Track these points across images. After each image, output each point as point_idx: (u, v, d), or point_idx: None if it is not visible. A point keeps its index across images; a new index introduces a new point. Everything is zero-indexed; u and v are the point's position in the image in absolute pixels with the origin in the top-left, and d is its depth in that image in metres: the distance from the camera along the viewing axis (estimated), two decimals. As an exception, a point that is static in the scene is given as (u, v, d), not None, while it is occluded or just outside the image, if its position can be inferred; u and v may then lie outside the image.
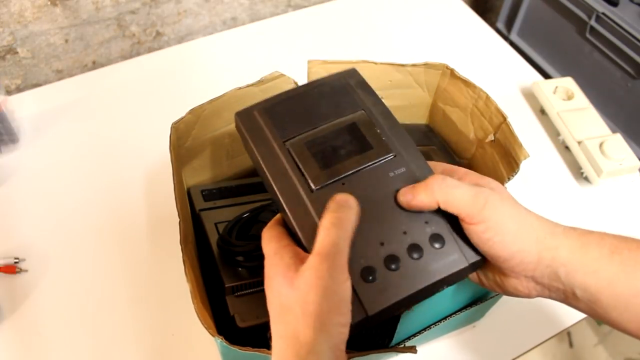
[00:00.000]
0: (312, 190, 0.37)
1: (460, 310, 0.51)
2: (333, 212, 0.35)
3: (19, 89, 0.89)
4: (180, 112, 0.54)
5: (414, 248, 0.36)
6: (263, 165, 0.39)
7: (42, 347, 0.59)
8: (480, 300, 0.52)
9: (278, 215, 0.40)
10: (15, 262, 0.64)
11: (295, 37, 0.96)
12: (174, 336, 0.60)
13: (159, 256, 0.66)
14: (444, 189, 0.36)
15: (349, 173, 0.38)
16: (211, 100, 0.54)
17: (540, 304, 0.63)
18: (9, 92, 0.86)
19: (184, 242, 0.46)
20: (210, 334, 0.40)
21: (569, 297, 0.36)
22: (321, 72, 0.59)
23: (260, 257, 0.51)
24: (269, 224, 0.39)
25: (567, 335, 1.30)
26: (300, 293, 0.32)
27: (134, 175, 0.74)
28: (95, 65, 0.93)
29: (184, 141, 0.56)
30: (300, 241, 0.36)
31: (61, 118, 0.81)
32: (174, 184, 0.49)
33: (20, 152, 0.77)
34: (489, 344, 0.60)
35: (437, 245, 0.36)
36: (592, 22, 0.95)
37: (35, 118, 0.81)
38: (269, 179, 0.38)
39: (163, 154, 0.53)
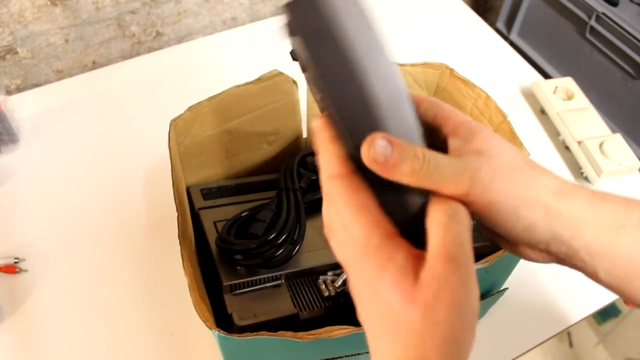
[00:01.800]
0: None
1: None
2: (444, 200, 0.27)
3: (19, 89, 0.89)
4: (180, 112, 0.54)
5: None
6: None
7: (42, 347, 0.59)
8: (480, 298, 0.52)
9: (335, 151, 0.29)
10: (15, 262, 0.64)
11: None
12: (174, 336, 0.60)
13: (159, 256, 0.66)
14: (422, 172, 0.27)
15: None
16: (210, 98, 0.54)
17: (540, 304, 0.63)
18: (9, 92, 0.86)
19: (182, 235, 0.46)
20: (208, 326, 0.40)
21: (578, 264, 0.31)
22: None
23: (259, 256, 0.52)
24: (341, 175, 0.29)
25: (567, 335, 1.29)
26: (426, 313, 0.26)
27: (134, 175, 0.74)
28: (95, 65, 0.93)
29: (183, 139, 0.56)
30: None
31: (61, 118, 0.81)
32: (172, 178, 0.48)
33: (20, 152, 0.77)
34: (489, 344, 0.60)
35: None
36: (592, 22, 0.95)
37: (35, 118, 0.81)
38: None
39: (163, 154, 0.53)
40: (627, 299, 0.31)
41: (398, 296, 0.26)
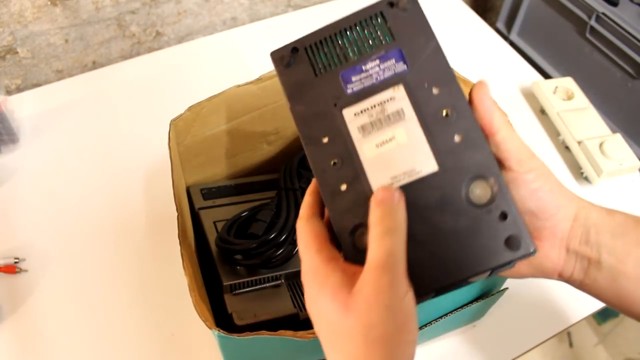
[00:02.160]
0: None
1: (461, 307, 0.51)
2: (381, 219, 0.30)
3: (19, 89, 0.89)
4: (180, 112, 0.54)
5: None
6: None
7: (42, 347, 0.59)
8: (481, 297, 0.52)
9: (308, 199, 0.36)
10: (15, 262, 0.64)
11: (295, 37, 0.96)
12: (174, 336, 0.60)
13: (159, 256, 0.66)
14: (509, 126, 0.34)
15: None
16: (210, 98, 0.54)
17: (541, 304, 0.63)
18: (9, 92, 0.86)
19: (182, 235, 0.46)
20: (207, 326, 0.40)
21: (592, 265, 0.36)
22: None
23: (259, 255, 0.52)
24: (303, 218, 0.34)
25: (567, 335, 1.29)
26: (359, 317, 0.29)
27: (134, 176, 0.74)
28: (95, 65, 0.93)
29: (183, 139, 0.56)
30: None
31: (61, 118, 0.81)
32: (172, 178, 0.49)
33: (20, 152, 0.77)
34: (489, 344, 0.60)
35: None
36: (592, 22, 0.95)
37: (35, 118, 0.81)
38: None
39: (163, 154, 0.53)
40: (626, 306, 0.37)
41: (336, 307, 0.30)
